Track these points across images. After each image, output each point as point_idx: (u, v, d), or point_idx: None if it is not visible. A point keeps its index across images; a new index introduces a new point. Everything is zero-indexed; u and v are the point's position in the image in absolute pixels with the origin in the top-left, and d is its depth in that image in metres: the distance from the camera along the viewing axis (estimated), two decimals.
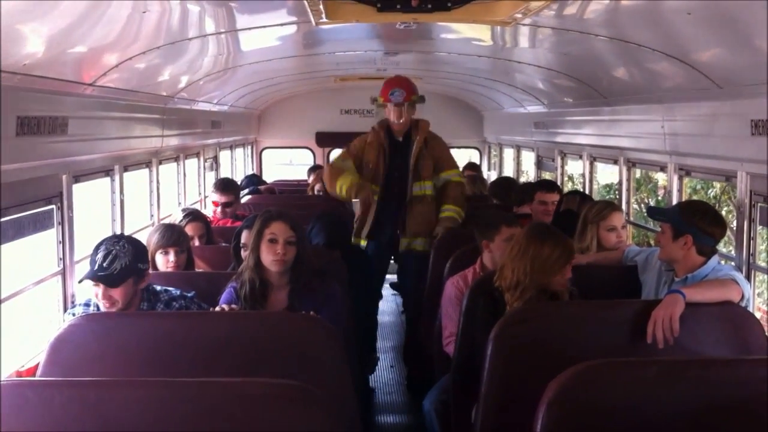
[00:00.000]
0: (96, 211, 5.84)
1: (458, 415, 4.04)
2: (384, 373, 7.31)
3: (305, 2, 4.04)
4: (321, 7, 4.18)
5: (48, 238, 4.47)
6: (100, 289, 3.73)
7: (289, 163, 15.50)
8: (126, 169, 5.72)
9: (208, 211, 7.33)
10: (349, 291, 4.76)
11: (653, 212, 4.80)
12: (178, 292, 3.99)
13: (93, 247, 3.83)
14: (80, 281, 3.85)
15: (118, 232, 5.56)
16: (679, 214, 4.00)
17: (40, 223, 4.28)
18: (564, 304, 3.80)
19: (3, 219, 3.80)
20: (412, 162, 6.32)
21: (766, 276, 4.65)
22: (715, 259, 3.94)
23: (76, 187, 4.71)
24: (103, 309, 3.81)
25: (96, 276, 3.70)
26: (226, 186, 6.90)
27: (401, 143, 6.39)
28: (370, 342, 6.26)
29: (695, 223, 3.90)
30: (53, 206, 4.41)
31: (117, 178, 5.53)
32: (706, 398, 2.66)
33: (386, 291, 8.80)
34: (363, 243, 6.38)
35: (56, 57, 3.60)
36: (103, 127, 4.83)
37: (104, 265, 3.71)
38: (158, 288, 3.98)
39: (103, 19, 3.45)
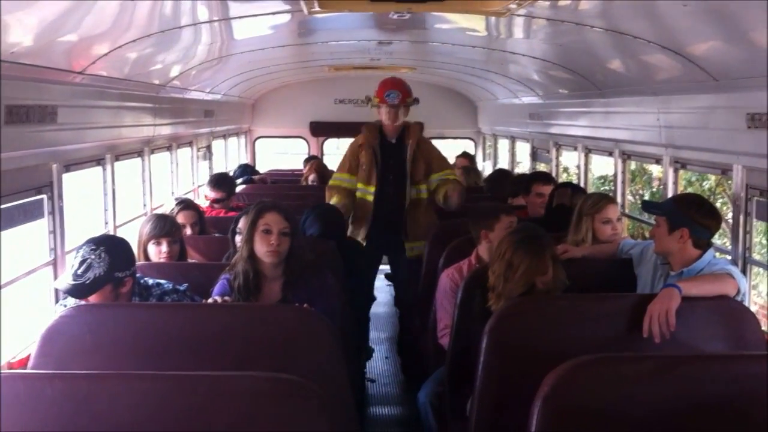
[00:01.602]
0: (89, 200, 5.79)
1: (453, 408, 4.03)
2: (378, 364, 7.30)
3: None
4: None
5: (39, 228, 4.42)
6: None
7: (284, 152, 15.46)
8: (117, 158, 5.67)
9: (201, 200, 7.30)
10: (344, 282, 4.73)
11: (648, 206, 4.77)
12: (171, 286, 3.95)
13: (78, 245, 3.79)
14: (57, 290, 3.75)
15: (110, 222, 5.52)
16: (675, 208, 3.99)
17: (30, 213, 4.23)
18: (559, 298, 3.78)
19: None
20: (408, 165, 6.30)
21: (761, 270, 4.62)
22: (710, 252, 3.92)
23: (68, 177, 4.66)
24: None
25: (68, 287, 3.65)
26: (218, 182, 6.89)
27: (394, 145, 6.36)
28: (364, 333, 6.24)
29: (691, 216, 3.89)
30: (44, 196, 4.36)
31: (108, 167, 5.48)
32: (703, 394, 2.65)
33: (380, 282, 8.78)
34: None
35: (46, 45, 3.55)
36: (93, 116, 4.78)
37: (78, 272, 3.66)
38: (150, 282, 3.94)
39: (94, 7, 3.39)
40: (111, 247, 3.75)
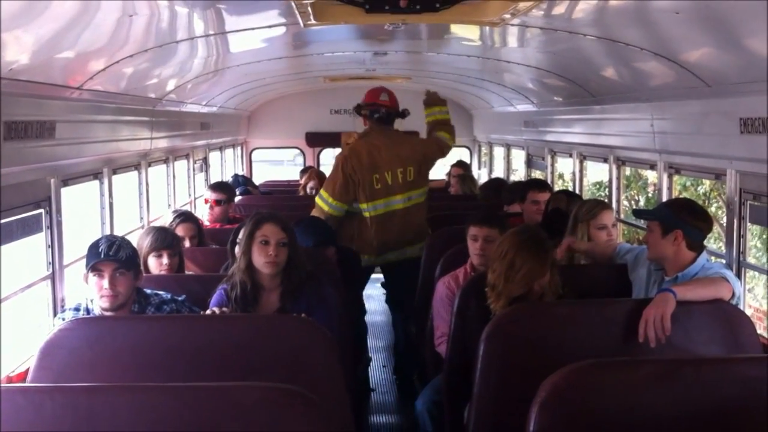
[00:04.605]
0: (82, 214, 5.80)
1: (451, 416, 4.04)
2: (376, 373, 7.30)
3: (293, 4, 4.03)
4: (309, 8, 4.17)
5: (37, 242, 4.44)
6: (105, 280, 3.68)
7: (279, 161, 15.49)
8: (115, 171, 5.69)
9: (199, 212, 7.31)
10: (341, 292, 4.74)
11: (640, 213, 4.81)
12: (169, 296, 3.98)
13: (88, 247, 3.80)
14: (88, 266, 3.73)
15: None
16: (667, 211, 4.03)
17: (28, 228, 4.25)
18: (556, 304, 3.80)
19: None
20: None
21: (756, 273, 4.65)
22: (704, 257, 3.95)
23: (65, 191, 4.68)
24: (96, 312, 3.79)
25: (108, 258, 3.66)
26: (219, 185, 6.96)
27: None
28: (361, 342, 6.24)
29: (683, 218, 3.93)
30: (42, 210, 4.38)
31: (106, 180, 5.51)
32: (700, 397, 2.67)
33: (377, 290, 8.78)
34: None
35: (43, 62, 3.58)
36: (91, 130, 4.81)
37: (110, 253, 3.69)
38: (148, 291, 3.96)
39: (91, 23, 3.42)
40: (126, 241, 3.88)
